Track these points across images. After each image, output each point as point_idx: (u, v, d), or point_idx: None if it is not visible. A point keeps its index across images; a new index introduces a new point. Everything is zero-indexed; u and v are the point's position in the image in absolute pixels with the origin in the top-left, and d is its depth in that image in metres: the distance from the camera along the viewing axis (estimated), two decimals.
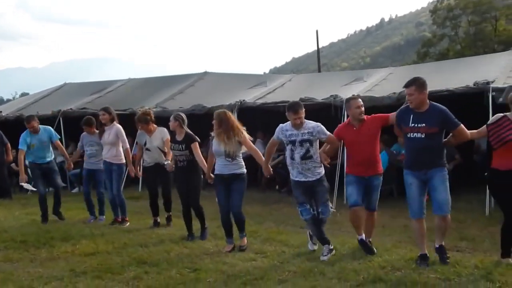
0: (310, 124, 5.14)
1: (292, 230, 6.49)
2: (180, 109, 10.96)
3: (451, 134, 4.77)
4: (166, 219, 7.21)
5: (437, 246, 4.78)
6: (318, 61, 32.48)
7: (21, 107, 13.82)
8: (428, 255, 4.74)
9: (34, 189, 7.92)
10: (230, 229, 5.69)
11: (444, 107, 4.71)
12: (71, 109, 11.95)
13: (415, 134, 4.67)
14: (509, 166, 4.54)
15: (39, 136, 7.66)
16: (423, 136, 4.63)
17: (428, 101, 4.74)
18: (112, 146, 7.27)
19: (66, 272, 4.89)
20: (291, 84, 11.96)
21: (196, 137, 6.17)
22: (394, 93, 8.43)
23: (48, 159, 7.80)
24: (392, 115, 5.05)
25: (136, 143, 7.37)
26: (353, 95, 7.39)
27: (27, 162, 7.97)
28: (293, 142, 5.10)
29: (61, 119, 11.57)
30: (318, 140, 5.18)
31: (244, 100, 10.15)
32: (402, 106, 5.12)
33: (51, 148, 7.92)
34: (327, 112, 8.87)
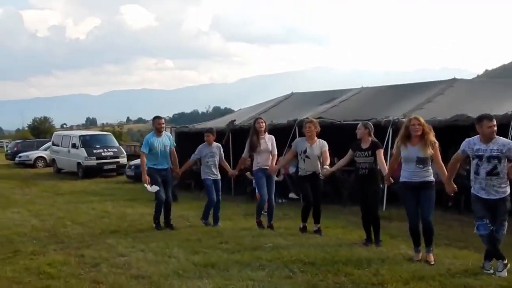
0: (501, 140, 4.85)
1: None
2: (433, 119, 9.67)
3: None
4: (317, 231, 7.11)
5: None
6: None
7: (252, 116, 14.13)
8: None
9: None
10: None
11: None
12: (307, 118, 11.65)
13: None
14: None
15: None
16: None
17: None
18: (268, 153, 7.30)
19: None
20: None
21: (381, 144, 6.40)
22: None
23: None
24: None
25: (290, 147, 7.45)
26: None
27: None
28: (480, 157, 4.87)
29: (296, 128, 11.38)
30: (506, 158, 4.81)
31: None
32: None
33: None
34: None
